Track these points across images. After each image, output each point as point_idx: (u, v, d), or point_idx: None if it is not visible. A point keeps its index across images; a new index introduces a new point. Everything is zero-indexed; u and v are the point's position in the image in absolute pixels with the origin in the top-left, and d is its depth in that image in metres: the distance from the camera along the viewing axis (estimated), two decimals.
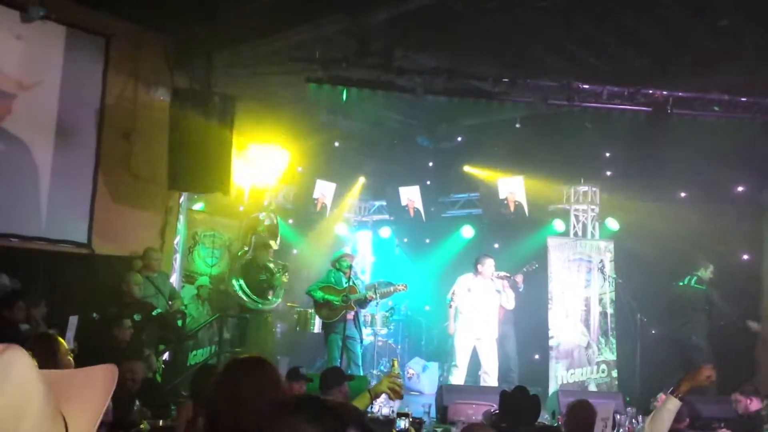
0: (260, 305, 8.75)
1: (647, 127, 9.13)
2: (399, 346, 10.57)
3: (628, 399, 7.91)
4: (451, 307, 8.91)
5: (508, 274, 9.11)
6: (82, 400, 1.13)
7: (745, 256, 9.24)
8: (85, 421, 1.11)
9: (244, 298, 8.90)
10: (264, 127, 9.75)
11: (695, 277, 9.16)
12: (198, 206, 9.88)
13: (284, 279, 8.97)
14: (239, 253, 9.47)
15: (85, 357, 5.85)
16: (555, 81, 8.82)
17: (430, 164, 11.18)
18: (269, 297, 8.81)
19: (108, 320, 6.69)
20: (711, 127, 8.92)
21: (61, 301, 6.46)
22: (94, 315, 6.86)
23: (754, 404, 6.58)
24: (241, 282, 8.91)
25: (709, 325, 9.08)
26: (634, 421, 6.65)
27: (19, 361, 1.02)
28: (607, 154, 10.13)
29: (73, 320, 5.00)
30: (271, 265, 9.11)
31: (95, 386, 1.17)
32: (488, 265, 8.83)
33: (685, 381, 3.52)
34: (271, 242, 9.10)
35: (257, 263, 8.88)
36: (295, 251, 10.19)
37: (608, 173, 10.29)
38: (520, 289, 9.25)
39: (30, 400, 1.01)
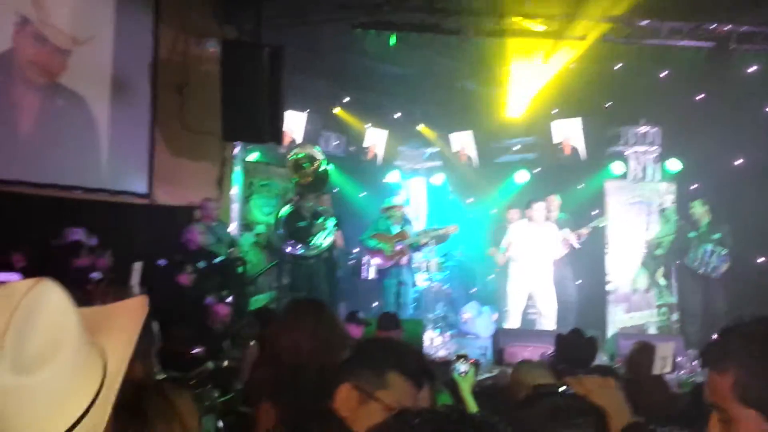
0: (301, 251, 8.77)
1: (709, 63, 8.79)
2: (454, 291, 10.61)
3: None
4: (506, 255, 8.83)
5: (586, 229, 9.01)
6: (116, 330, 1.16)
7: None
8: (121, 349, 1.14)
9: (276, 242, 8.96)
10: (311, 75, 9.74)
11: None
12: (253, 156, 9.99)
13: (327, 225, 8.91)
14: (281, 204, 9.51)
15: (153, 301, 6.08)
16: (612, 18, 8.53)
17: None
18: (310, 243, 8.83)
19: (172, 267, 6.92)
20: None
21: (124, 250, 6.67)
22: (161, 261, 7.08)
23: None
24: (279, 230, 8.93)
25: None
26: (694, 363, 6.59)
27: (53, 293, 1.04)
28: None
29: (137, 266, 5.17)
30: (318, 210, 9.08)
31: (127, 317, 1.20)
32: (538, 209, 8.68)
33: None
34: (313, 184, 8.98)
35: (300, 209, 8.89)
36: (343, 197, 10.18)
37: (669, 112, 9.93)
38: (581, 240, 9.12)
39: (65, 330, 1.03)
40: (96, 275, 6.05)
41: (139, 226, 7.44)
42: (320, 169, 9.03)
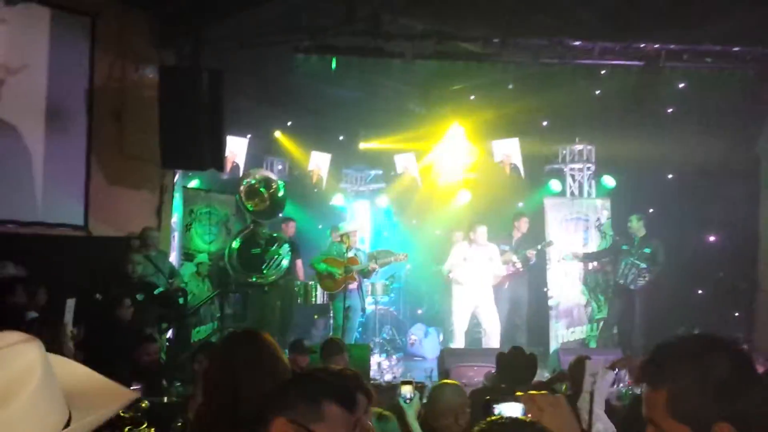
0: (254, 279, 8.73)
1: (640, 81, 9.09)
2: (400, 313, 10.66)
3: (628, 353, 7.99)
4: (449, 277, 8.97)
5: (534, 251, 9.22)
6: (92, 405, 1.15)
7: (743, 214, 9.19)
8: (86, 423, 1.13)
9: (231, 273, 8.92)
10: (253, 99, 9.71)
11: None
12: (194, 183, 9.87)
13: (281, 251, 8.94)
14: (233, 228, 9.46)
15: (89, 338, 5.93)
16: (546, 39, 8.75)
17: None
18: (263, 271, 8.80)
19: (110, 301, 6.75)
20: (703, 79, 8.88)
21: (60, 284, 6.49)
22: (97, 296, 6.91)
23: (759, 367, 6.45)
24: (232, 257, 8.89)
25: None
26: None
27: (27, 352, 1.03)
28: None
29: (71, 303, 5.04)
30: (273, 236, 9.05)
31: (110, 399, 1.19)
32: (480, 232, 8.89)
33: (620, 360, 3.68)
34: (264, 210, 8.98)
35: (255, 236, 8.86)
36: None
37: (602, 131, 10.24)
38: (531, 263, 9.35)
39: (23, 383, 1.02)
40: (32, 314, 5.87)
41: (75, 259, 7.23)
42: (278, 194, 9.01)
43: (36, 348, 1.04)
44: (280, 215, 9.51)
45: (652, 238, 9.04)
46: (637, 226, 9.09)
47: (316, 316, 10.07)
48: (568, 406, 1.85)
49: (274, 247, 9.01)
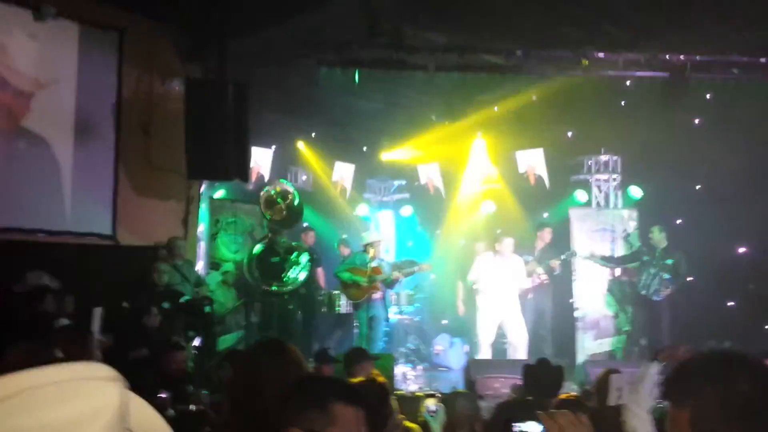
0: (273, 288, 8.78)
1: (666, 92, 9.03)
2: (425, 323, 10.63)
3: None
4: (474, 288, 8.95)
5: (558, 261, 9.18)
6: None
7: None
8: None
9: (250, 281, 8.98)
10: (281, 112, 9.80)
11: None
12: (219, 193, 9.97)
13: (301, 260, 8.97)
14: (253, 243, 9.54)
15: (117, 346, 6.00)
16: (570, 51, 8.74)
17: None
18: (283, 279, 8.84)
19: (137, 309, 6.83)
20: (730, 90, 8.80)
21: (88, 293, 6.58)
22: (124, 304, 6.99)
23: None
24: (251, 265, 8.97)
25: None
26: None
27: (109, 392, 1.01)
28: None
29: (97, 312, 5.10)
30: (292, 245, 9.12)
31: None
32: (506, 244, 8.85)
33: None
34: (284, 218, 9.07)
35: (273, 245, 8.92)
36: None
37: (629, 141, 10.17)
38: (556, 273, 9.30)
39: (92, 421, 1.03)
40: (62, 321, 5.95)
41: (103, 268, 7.34)
42: (294, 204, 9.08)
43: (118, 390, 1.04)
44: (301, 224, 9.57)
45: (674, 250, 8.94)
46: (659, 237, 9.01)
47: (338, 327, 10.08)
48: (590, 425, 1.83)
49: (294, 256, 9.06)
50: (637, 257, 9.18)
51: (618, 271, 9.74)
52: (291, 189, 9.14)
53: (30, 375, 0.97)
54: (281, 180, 9.52)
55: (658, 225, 9.14)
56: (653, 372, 3.26)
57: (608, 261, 9.57)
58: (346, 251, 9.84)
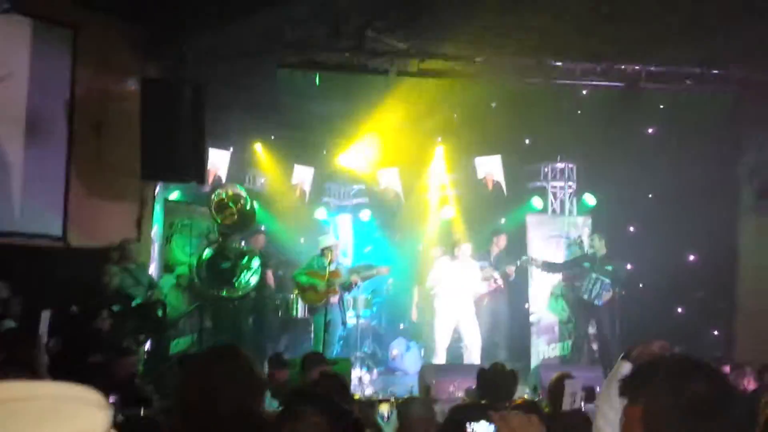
0: (224, 293, 8.69)
1: (621, 102, 9.22)
2: (381, 327, 10.63)
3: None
4: (431, 292, 8.99)
5: (513, 267, 9.31)
6: None
7: (722, 234, 9.29)
8: None
9: (198, 284, 8.88)
10: (239, 113, 9.70)
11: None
12: (174, 195, 9.81)
13: (252, 264, 8.89)
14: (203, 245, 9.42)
15: (67, 350, 5.85)
16: (529, 59, 8.85)
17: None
18: (234, 284, 8.76)
19: (87, 313, 6.67)
20: (684, 101, 9.02)
21: (38, 296, 6.40)
22: (73, 308, 6.82)
23: (751, 383, 6.15)
24: (201, 269, 8.86)
25: None
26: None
27: (97, 419, 0.98)
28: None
29: (45, 315, 4.97)
30: (243, 250, 9.03)
31: None
32: (464, 249, 8.94)
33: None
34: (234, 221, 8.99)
35: (224, 250, 8.83)
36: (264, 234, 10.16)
37: (584, 149, 10.35)
38: (511, 279, 9.42)
39: None
40: (7, 323, 5.79)
41: (52, 270, 7.14)
42: (246, 208, 8.98)
43: (105, 419, 1.01)
44: (255, 227, 9.48)
45: (614, 257, 9.16)
46: (598, 245, 9.23)
47: (291, 331, 10.01)
48: (541, 426, 1.85)
49: (245, 260, 8.98)
50: (578, 263, 9.36)
51: (561, 276, 9.87)
52: (243, 193, 9.05)
53: (11, 387, 0.94)
54: (233, 183, 9.41)
55: (596, 233, 9.36)
56: (624, 371, 3.30)
57: (550, 267, 9.72)
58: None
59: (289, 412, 2.14)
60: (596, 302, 8.96)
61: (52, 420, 0.93)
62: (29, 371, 3.30)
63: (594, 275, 8.99)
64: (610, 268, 9.04)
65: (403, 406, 3.79)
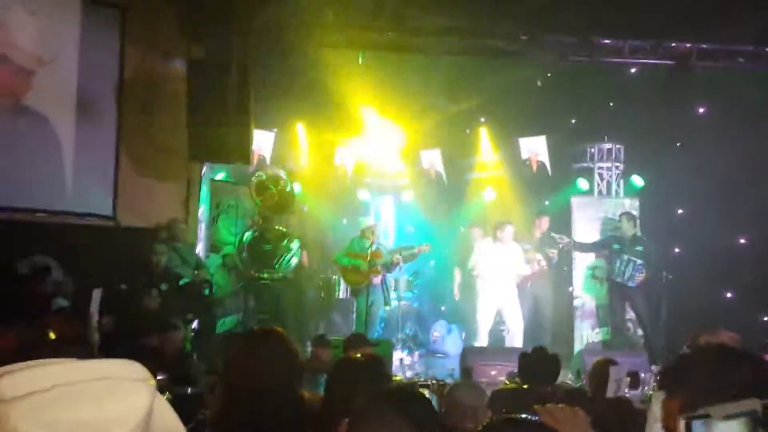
0: (265, 275, 8.79)
1: (671, 80, 8.98)
2: (423, 309, 10.64)
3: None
4: (473, 274, 8.94)
5: (555, 250, 9.27)
6: None
7: None
8: None
9: (240, 266, 8.99)
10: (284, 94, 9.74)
11: None
12: (221, 176, 9.93)
13: (292, 246, 8.96)
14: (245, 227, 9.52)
15: (118, 329, 6.02)
16: (574, 37, 8.67)
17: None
18: (275, 266, 8.85)
19: (136, 291, 6.84)
20: (736, 79, 8.73)
21: (88, 274, 6.58)
22: (123, 286, 6.99)
23: None
24: (242, 251, 8.98)
25: None
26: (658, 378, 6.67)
27: (141, 393, 1.03)
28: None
29: (97, 294, 5.10)
30: (284, 232, 9.12)
31: None
32: (508, 231, 8.83)
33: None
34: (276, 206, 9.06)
35: (265, 232, 8.92)
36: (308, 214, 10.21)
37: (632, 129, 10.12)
38: (554, 261, 9.32)
39: (122, 423, 1.01)
40: (60, 302, 5.96)
41: (103, 248, 7.32)
42: (287, 190, 9.04)
43: (148, 392, 1.04)
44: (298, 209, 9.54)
45: (644, 238, 8.96)
46: (627, 225, 9.03)
47: (334, 312, 10.10)
48: (586, 418, 1.84)
49: (285, 243, 9.05)
50: (607, 245, 9.19)
51: (599, 258, 9.69)
52: (283, 175, 9.10)
53: (62, 369, 0.98)
54: (273, 165, 9.47)
55: (625, 213, 9.17)
56: None
57: (581, 247, 9.57)
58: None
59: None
60: (630, 284, 8.81)
61: (102, 401, 0.98)
62: (81, 350, 3.41)
63: (626, 257, 8.83)
64: (640, 248, 8.87)
65: (454, 393, 3.73)
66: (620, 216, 9.22)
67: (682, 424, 1.25)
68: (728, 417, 1.14)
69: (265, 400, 2.67)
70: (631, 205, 9.85)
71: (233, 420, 2.77)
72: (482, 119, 10.92)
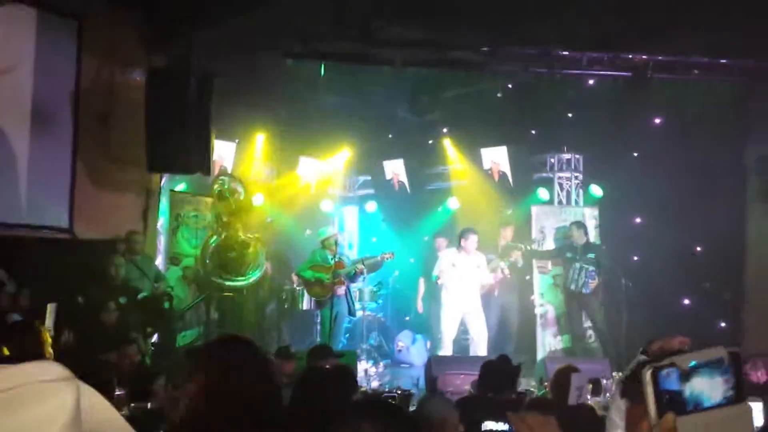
0: (231, 282, 8.71)
1: (628, 92, 9.16)
2: (387, 320, 10.63)
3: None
4: (438, 283, 8.97)
5: (519, 252, 9.37)
6: None
7: (730, 225, 9.22)
8: None
9: (202, 272, 8.92)
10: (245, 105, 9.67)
11: None
12: (180, 186, 9.79)
13: (256, 252, 8.90)
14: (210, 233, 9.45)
15: (73, 342, 5.86)
16: (535, 49, 8.79)
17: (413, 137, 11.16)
18: (244, 273, 8.77)
19: (93, 305, 6.68)
20: (691, 91, 8.95)
21: (45, 287, 6.41)
22: (79, 299, 6.83)
23: (763, 375, 6.11)
24: (206, 256, 8.90)
25: None
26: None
27: (64, 392, 0.99)
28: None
29: (51, 308, 4.97)
30: (245, 240, 9.05)
31: None
32: (472, 240, 8.89)
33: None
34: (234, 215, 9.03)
35: (228, 240, 8.84)
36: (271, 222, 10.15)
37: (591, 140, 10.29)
38: (519, 265, 9.40)
39: (50, 424, 0.98)
40: (14, 316, 5.79)
41: (60, 262, 7.14)
42: (242, 199, 9.00)
43: (72, 390, 1.00)
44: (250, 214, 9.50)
45: (596, 244, 9.20)
46: (577, 234, 9.22)
47: (297, 324, 10.01)
48: (558, 426, 1.84)
49: (250, 250, 8.99)
50: (561, 253, 9.36)
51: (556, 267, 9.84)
52: (239, 185, 9.10)
53: None
54: (231, 177, 9.42)
55: (575, 222, 9.39)
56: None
57: (536, 255, 9.70)
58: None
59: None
60: (584, 290, 9.00)
61: (21, 407, 0.94)
62: None
63: (578, 265, 9.02)
64: (592, 255, 9.08)
65: (424, 405, 3.66)
66: (570, 225, 9.39)
67: (648, 374, 1.25)
68: (694, 366, 1.16)
69: (247, 401, 2.62)
70: (591, 214, 10.00)
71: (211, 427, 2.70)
72: (444, 130, 10.99)
